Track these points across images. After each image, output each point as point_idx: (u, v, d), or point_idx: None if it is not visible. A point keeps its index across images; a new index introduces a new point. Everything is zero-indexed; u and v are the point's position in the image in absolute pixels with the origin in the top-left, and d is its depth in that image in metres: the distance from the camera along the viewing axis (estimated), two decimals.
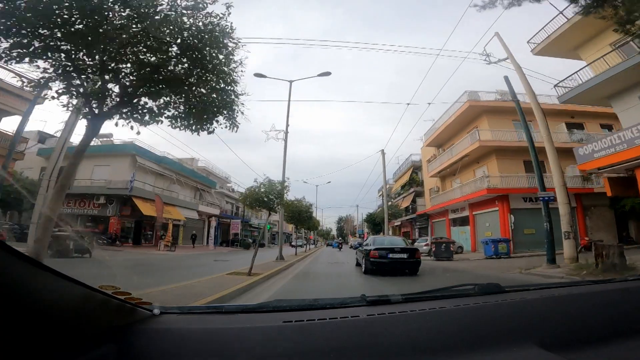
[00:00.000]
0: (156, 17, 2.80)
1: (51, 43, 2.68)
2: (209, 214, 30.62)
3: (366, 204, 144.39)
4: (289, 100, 13.93)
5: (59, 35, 2.63)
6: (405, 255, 8.37)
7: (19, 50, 2.58)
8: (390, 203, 30.94)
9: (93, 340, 0.70)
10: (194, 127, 3.59)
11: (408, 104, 24.56)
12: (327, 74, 14.12)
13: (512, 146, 18.26)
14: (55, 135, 16.62)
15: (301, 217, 17.03)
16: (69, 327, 0.66)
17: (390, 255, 8.27)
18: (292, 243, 25.32)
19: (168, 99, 3.39)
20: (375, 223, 33.69)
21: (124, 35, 2.81)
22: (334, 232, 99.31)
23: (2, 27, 2.39)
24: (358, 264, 10.54)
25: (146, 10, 2.75)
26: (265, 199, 7.89)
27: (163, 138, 45.65)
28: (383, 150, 25.19)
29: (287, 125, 13.41)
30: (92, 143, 3.86)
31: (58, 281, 0.63)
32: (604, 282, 1.47)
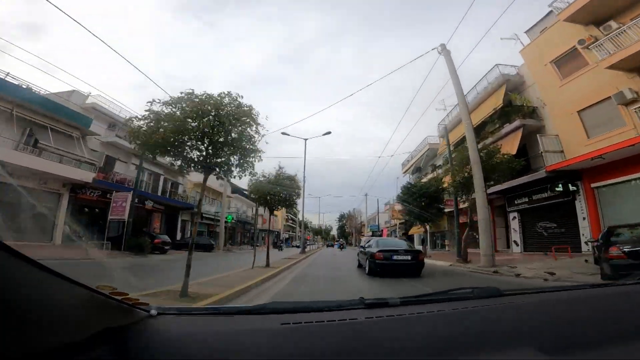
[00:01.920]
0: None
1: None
2: (66, 179, 14.36)
3: (376, 193, 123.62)
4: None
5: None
6: (409, 257, 8.34)
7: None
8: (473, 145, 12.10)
9: (90, 341, 0.68)
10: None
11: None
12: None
13: None
14: None
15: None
16: (65, 328, 0.64)
17: (395, 257, 8.25)
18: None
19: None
20: (422, 204, 16.00)
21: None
22: (335, 232, 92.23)
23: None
24: (360, 266, 10.65)
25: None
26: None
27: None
28: (444, 44, 12.55)
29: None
30: None
31: (55, 280, 0.62)
32: (603, 286, 1.41)
